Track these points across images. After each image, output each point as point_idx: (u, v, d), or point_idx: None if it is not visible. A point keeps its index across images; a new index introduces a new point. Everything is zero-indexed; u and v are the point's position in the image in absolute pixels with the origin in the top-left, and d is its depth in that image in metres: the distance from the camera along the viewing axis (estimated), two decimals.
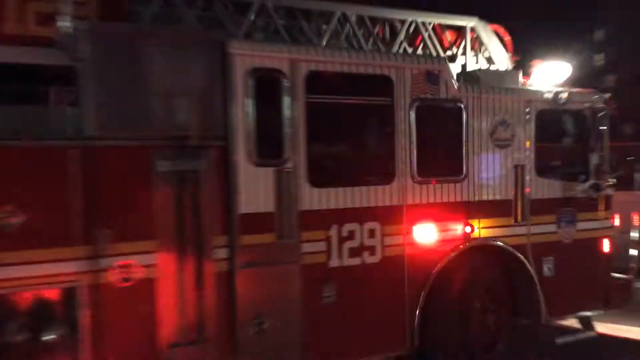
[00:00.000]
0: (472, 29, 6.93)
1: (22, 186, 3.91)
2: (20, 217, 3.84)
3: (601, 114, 6.48)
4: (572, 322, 6.68)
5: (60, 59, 4.38)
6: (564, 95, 6.27)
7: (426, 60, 5.55)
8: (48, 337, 3.97)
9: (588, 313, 6.58)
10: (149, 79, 4.27)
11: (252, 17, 5.57)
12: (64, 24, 4.13)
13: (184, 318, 4.39)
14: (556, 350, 6.30)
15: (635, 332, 7.36)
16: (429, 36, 6.65)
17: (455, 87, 5.61)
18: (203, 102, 4.45)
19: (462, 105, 5.65)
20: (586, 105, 6.45)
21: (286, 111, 4.78)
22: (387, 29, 6.62)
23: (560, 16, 51.66)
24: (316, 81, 4.90)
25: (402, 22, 6.47)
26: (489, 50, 7.02)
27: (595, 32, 59.36)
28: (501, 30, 7.22)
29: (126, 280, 4.19)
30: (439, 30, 6.84)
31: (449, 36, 6.91)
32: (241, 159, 4.59)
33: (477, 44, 7.01)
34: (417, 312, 5.37)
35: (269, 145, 4.71)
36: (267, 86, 4.69)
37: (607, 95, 6.70)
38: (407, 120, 5.33)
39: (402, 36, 6.41)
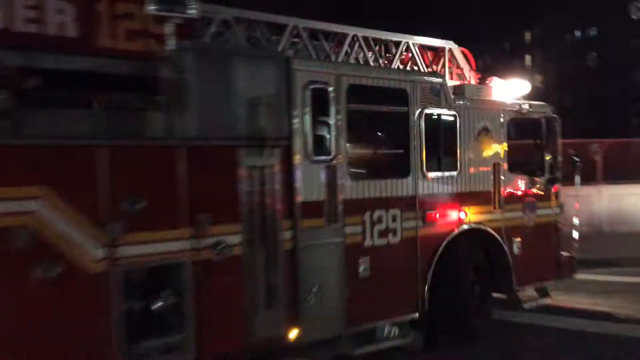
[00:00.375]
0: (449, 50, 8.27)
1: (142, 179, 4.68)
2: (143, 204, 4.61)
3: (553, 121, 8.03)
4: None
5: (142, 70, 5.19)
6: (527, 107, 7.76)
7: (431, 76, 6.79)
8: (163, 302, 4.75)
9: (545, 283, 8.09)
10: (235, 89, 5.16)
11: (286, 37, 6.53)
12: (171, 42, 4.93)
13: (261, 287, 5.30)
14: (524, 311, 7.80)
15: (574, 301, 9.00)
16: (416, 55, 7.89)
17: (452, 99, 6.88)
18: (274, 109, 5.37)
19: (456, 114, 6.93)
20: (542, 114, 7.98)
21: (332, 117, 5.81)
22: (383, 48, 7.80)
23: (489, 17, 53.85)
24: (354, 92, 5.97)
25: (397, 43, 7.68)
26: (461, 67, 8.38)
27: (524, 33, 62.47)
28: (467, 52, 8.62)
29: (218, 256, 5.04)
30: (421, 50, 8.11)
31: (429, 55, 8.20)
32: (300, 157, 5.57)
33: (451, 63, 8.35)
34: (427, 282, 6.57)
35: (320, 145, 5.72)
36: (318, 96, 5.70)
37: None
38: (418, 126, 6.52)
39: (398, 55, 7.60)
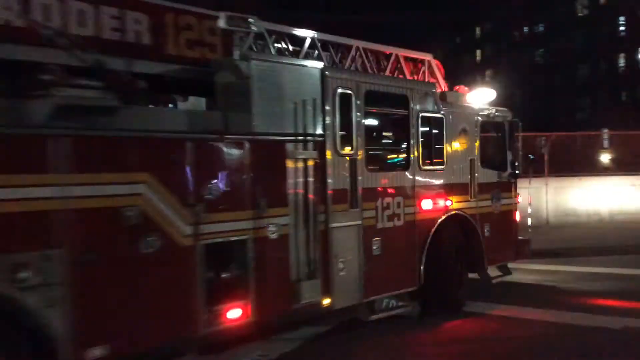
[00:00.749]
0: (428, 62, 9.50)
1: (218, 168, 5.52)
2: (219, 190, 5.47)
3: (514, 124, 9.45)
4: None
5: (200, 75, 6.04)
6: (494, 112, 9.13)
7: (425, 85, 7.97)
8: (232, 272, 5.62)
9: (507, 262, 9.48)
10: (284, 93, 6.09)
11: (305, 48, 7.49)
12: (237, 52, 5.80)
13: (304, 262, 6.25)
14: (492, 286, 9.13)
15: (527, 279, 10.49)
16: (401, 65, 9.07)
17: (440, 104, 8.09)
18: (312, 110, 6.33)
19: (443, 117, 8.15)
20: (505, 118, 9.37)
21: (354, 118, 6.84)
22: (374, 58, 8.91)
23: (440, 12, 56.02)
24: (369, 97, 7.03)
25: (388, 55, 8.81)
26: (436, 76, 9.63)
27: (475, 28, 64.93)
28: (439, 63, 9.89)
29: (271, 232, 5.95)
30: (403, 61, 9.29)
31: (410, 66, 9.39)
32: (331, 151, 6.56)
33: (429, 72, 9.59)
34: (423, 259, 7.73)
35: (345, 142, 6.74)
36: (344, 101, 6.72)
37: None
38: (415, 126, 7.68)
39: (388, 65, 8.74)
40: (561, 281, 10.32)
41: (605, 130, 18.07)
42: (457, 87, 9.39)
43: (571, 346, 6.74)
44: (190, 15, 6.16)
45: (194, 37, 6.18)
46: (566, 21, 49.70)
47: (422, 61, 9.41)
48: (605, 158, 18.95)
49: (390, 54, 8.83)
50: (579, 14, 50.85)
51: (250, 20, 5.81)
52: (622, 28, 46.53)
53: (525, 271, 10.70)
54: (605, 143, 17.35)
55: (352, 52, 8.15)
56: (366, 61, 8.34)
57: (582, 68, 50.46)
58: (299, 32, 7.40)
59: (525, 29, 58.12)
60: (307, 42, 7.48)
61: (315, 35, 7.57)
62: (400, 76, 8.89)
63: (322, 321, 7.06)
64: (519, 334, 7.26)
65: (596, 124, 23.69)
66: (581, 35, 49.36)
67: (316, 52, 7.61)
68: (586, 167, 15.35)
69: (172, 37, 6.02)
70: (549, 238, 13.92)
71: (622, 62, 47.36)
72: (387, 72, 8.65)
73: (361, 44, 8.34)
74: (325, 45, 7.86)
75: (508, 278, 9.49)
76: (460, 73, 10.45)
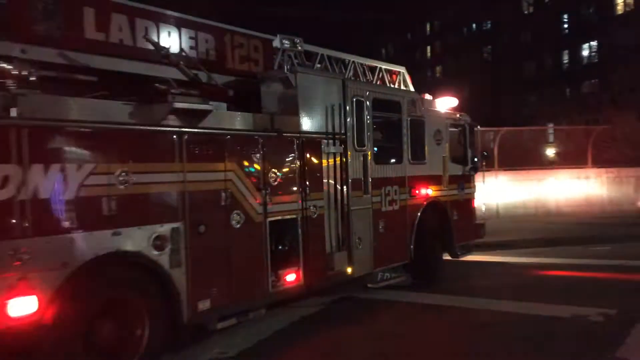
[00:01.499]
0: (402, 73, 11.19)
1: (278, 161, 6.85)
2: (279, 178, 6.81)
3: (473, 126, 11.32)
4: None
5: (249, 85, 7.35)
6: (458, 116, 10.95)
7: (412, 93, 9.63)
8: (286, 245, 6.97)
9: (469, 242, 11.31)
10: (319, 99, 7.50)
11: (317, 61, 8.94)
12: (287, 68, 7.16)
13: (335, 237, 7.68)
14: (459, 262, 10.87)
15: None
16: (383, 75, 10.70)
17: (423, 109, 9.77)
18: (338, 113, 7.78)
19: (424, 120, 9.83)
20: (467, 122, 11.22)
21: (365, 120, 8.35)
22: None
23: (392, 9, 57.55)
24: (375, 103, 8.57)
25: (374, 68, 10.41)
26: (407, 86, 11.34)
27: (425, 25, 66.15)
28: (408, 74, 11.62)
29: (313, 213, 7.34)
30: (385, 72, 10.93)
31: (389, 76, 11.05)
32: (351, 147, 8.03)
33: (403, 82, 11.28)
34: (413, 238, 9.34)
35: (360, 139, 8.23)
36: (359, 106, 8.21)
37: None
38: (406, 128, 9.30)
39: (376, 76, 10.34)
40: (510, 272, 10.83)
41: (551, 125, 19.65)
42: (423, 95, 11.12)
43: (519, 335, 6.68)
44: (240, 35, 7.46)
45: (244, 54, 7.48)
46: (513, 19, 50.99)
47: (398, 72, 11.09)
48: (550, 152, 20.90)
49: (376, 67, 10.44)
50: (525, 12, 52.13)
51: (296, 40, 7.19)
52: (565, 25, 48.16)
53: (473, 262, 11.60)
54: (551, 137, 19.14)
55: (349, 65, 9.67)
56: (360, 74, 9.90)
57: (528, 64, 51.37)
58: (311, 49, 8.81)
59: (474, 26, 59.09)
60: (318, 57, 8.93)
61: (325, 53, 9.04)
62: (399, 85, 10.57)
63: (280, 316, 7.48)
64: (467, 324, 7.33)
65: (542, 119, 25.09)
66: (527, 33, 50.71)
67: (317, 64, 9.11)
68: (534, 160, 16.98)
69: (229, 54, 7.29)
70: (498, 230, 14.60)
71: (566, 58, 48.57)
72: (375, 82, 10.26)
73: (355, 58, 9.89)
74: (329, 59, 9.34)
75: (461, 270, 11.17)
76: (412, 69, 11.45)
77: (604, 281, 9.41)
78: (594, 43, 44.87)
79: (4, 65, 4.40)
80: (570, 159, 18.53)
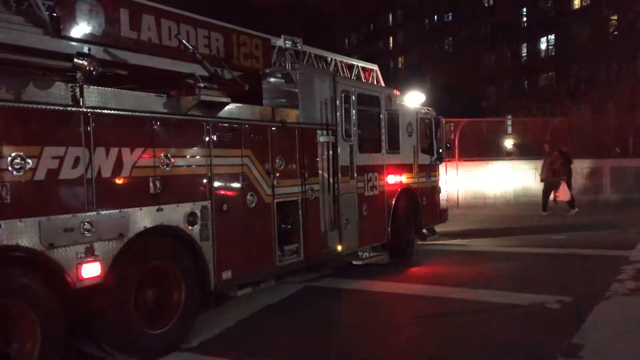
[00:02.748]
0: (375, 71, 12.16)
1: (283, 148, 7.66)
2: (284, 163, 7.63)
3: (439, 120, 12.42)
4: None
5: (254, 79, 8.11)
6: (426, 110, 12.03)
7: (388, 89, 10.61)
8: (290, 223, 7.81)
9: (434, 225, 12.42)
10: (314, 94, 8.35)
11: (305, 59, 9.77)
12: (288, 67, 7.97)
13: (328, 217, 8.55)
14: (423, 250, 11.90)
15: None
16: (359, 72, 11.64)
17: (397, 103, 10.76)
18: (330, 107, 8.65)
19: (399, 114, 10.82)
20: (432, 116, 12.31)
21: (351, 113, 9.25)
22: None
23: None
24: (359, 98, 9.49)
25: (352, 65, 11.34)
26: (380, 82, 12.33)
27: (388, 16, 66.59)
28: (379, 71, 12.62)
29: (310, 196, 8.20)
30: (361, 70, 11.88)
31: (363, 73, 12.00)
32: (339, 137, 8.91)
33: (375, 79, 12.26)
34: (389, 221, 10.33)
35: (347, 130, 9.12)
36: (346, 100, 9.10)
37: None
38: (384, 120, 10.27)
39: (354, 72, 11.27)
40: (471, 260, 11.12)
41: (509, 117, 20.66)
42: (396, 91, 12.14)
43: (476, 324, 6.81)
44: (245, 34, 8.21)
45: (247, 52, 8.24)
46: (473, 11, 51.93)
47: (371, 70, 12.07)
48: (509, 143, 22.05)
49: (353, 65, 11.37)
50: (485, 5, 53.12)
51: (296, 40, 8.01)
52: (524, 19, 49.38)
53: (436, 250, 12.17)
54: (509, 129, 20.13)
55: (331, 63, 10.56)
56: (340, 71, 10.80)
57: (488, 57, 52.61)
58: (300, 48, 9.64)
59: (435, 17, 59.85)
60: (306, 56, 9.78)
61: (312, 52, 9.89)
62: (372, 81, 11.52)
63: (243, 305, 7.62)
64: (428, 313, 7.47)
65: (501, 111, 25.91)
66: (487, 25, 51.94)
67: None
68: (493, 152, 17.97)
69: (235, 51, 8.03)
70: (459, 219, 15.34)
71: (524, 51, 49.81)
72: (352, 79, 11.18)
73: (336, 56, 10.79)
74: (314, 57, 10.20)
75: (423, 257, 12.19)
76: (375, 59, 12.08)
77: (559, 269, 9.86)
78: (551, 37, 46.35)
79: (79, 61, 5.04)
80: (527, 150, 19.51)
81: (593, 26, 40.12)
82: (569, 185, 17.40)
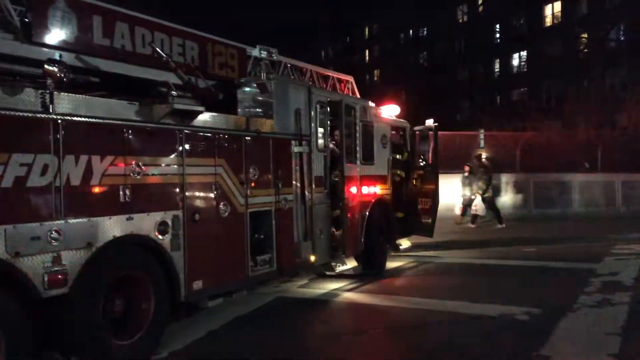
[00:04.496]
0: (350, 82, 12.24)
1: (256, 158, 7.63)
2: (257, 173, 7.61)
3: (412, 132, 12.53)
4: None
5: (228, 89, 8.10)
6: (400, 123, 12.13)
7: (364, 101, 10.68)
8: (262, 234, 7.78)
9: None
10: (289, 104, 8.36)
11: (281, 70, 9.79)
12: (263, 76, 7.97)
13: (301, 228, 8.54)
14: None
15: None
16: (335, 84, 11.70)
17: (372, 115, 10.83)
18: (305, 117, 8.67)
19: (373, 125, 10.89)
20: (407, 128, 12.42)
21: (326, 124, 9.28)
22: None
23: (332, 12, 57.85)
24: (332, 108, 9.52)
25: (327, 76, 11.39)
26: (356, 93, 12.40)
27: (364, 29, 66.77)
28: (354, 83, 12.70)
29: (284, 206, 8.18)
30: (336, 81, 11.94)
31: (339, 84, 12.06)
32: (313, 148, 8.93)
33: (350, 90, 12.33)
34: (364, 232, 10.36)
35: (323, 141, 9.14)
36: (321, 110, 9.13)
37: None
38: (359, 132, 10.32)
39: (330, 83, 11.32)
40: (444, 271, 11.22)
41: (482, 131, 20.94)
42: (369, 102, 12.22)
43: (446, 336, 6.87)
44: (220, 44, 8.20)
45: (223, 61, 8.23)
46: (448, 27, 52.50)
47: (346, 81, 12.14)
48: (482, 157, 22.34)
49: (329, 76, 11.43)
50: (460, 20, 53.79)
51: (272, 51, 8.02)
52: (497, 35, 49.95)
53: (406, 261, 12.04)
54: (482, 143, 20.42)
55: (307, 73, 10.60)
56: (316, 82, 10.85)
57: (461, 71, 53.16)
58: (276, 58, 9.66)
59: (411, 32, 60.45)
60: (282, 66, 9.80)
61: (288, 62, 9.92)
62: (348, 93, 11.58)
63: (214, 316, 7.50)
64: (397, 323, 7.51)
65: (475, 125, 26.11)
66: (461, 41, 52.74)
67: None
68: (466, 164, 18.25)
69: (211, 60, 8.02)
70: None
71: (497, 67, 50.32)
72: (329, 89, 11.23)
73: (311, 67, 10.83)
74: (290, 67, 10.23)
75: (395, 268, 12.30)
76: (351, 72, 12.14)
77: (529, 281, 9.99)
78: (523, 53, 47.13)
79: (50, 67, 4.98)
80: (500, 164, 19.82)
81: (564, 43, 40.98)
82: (491, 199, 17.80)
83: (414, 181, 12.46)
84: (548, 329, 6.85)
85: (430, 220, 12.28)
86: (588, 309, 7.79)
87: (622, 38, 38.98)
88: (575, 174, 21.13)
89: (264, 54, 8.05)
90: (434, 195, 12.30)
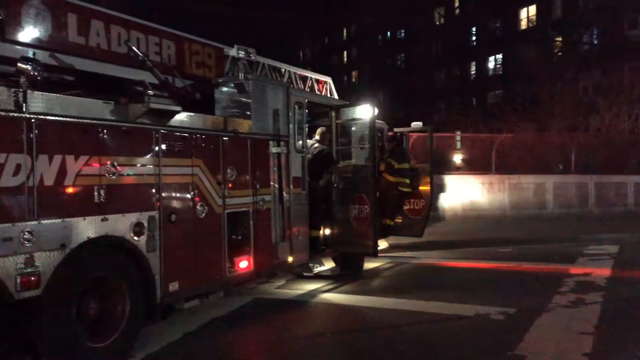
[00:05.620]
0: (328, 83, 12.24)
1: (234, 158, 7.59)
2: (235, 174, 7.57)
3: (394, 134, 12.59)
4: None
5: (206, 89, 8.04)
6: (378, 124, 12.16)
7: (340, 101, 10.69)
8: (240, 234, 7.74)
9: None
10: (267, 104, 8.33)
11: (259, 70, 9.75)
12: (241, 76, 7.92)
13: (279, 229, 8.51)
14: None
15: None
16: (313, 84, 11.70)
17: (349, 116, 10.84)
18: (283, 118, 8.64)
19: (351, 126, 10.91)
20: (385, 129, 12.47)
21: (304, 124, 9.27)
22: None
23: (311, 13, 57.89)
24: (309, 108, 9.51)
25: (305, 77, 11.38)
26: (334, 94, 12.42)
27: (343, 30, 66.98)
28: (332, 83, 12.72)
29: (262, 207, 8.15)
30: (315, 82, 11.93)
31: (317, 85, 12.06)
32: (292, 148, 8.91)
33: (328, 91, 12.34)
34: None
35: (301, 142, 9.12)
36: (298, 111, 9.12)
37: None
38: (336, 132, 10.33)
39: (308, 84, 11.31)
40: (418, 272, 11.19)
41: (458, 133, 21.20)
42: (347, 102, 12.23)
43: (424, 332, 6.98)
44: (197, 43, 8.14)
45: (200, 60, 8.17)
46: (425, 29, 52.73)
47: (325, 82, 12.15)
48: (458, 158, 22.51)
49: (307, 77, 11.42)
50: (437, 23, 54.17)
51: (250, 51, 7.99)
52: (473, 38, 50.73)
53: (384, 262, 11.96)
54: (458, 144, 20.66)
55: (285, 74, 10.58)
56: (294, 82, 10.83)
57: (438, 73, 53.77)
58: (253, 58, 9.62)
59: (388, 34, 60.90)
60: (260, 67, 9.76)
61: (266, 62, 9.88)
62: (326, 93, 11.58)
63: (191, 318, 7.47)
64: (374, 323, 7.53)
65: (451, 127, 26.62)
66: (438, 43, 53.12)
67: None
68: (442, 166, 18.32)
69: (188, 60, 7.95)
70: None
71: (473, 69, 50.82)
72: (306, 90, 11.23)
73: (290, 68, 10.82)
74: (268, 67, 10.20)
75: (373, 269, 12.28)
76: (329, 73, 12.11)
77: (505, 281, 10.08)
78: (499, 56, 47.83)
79: (23, 65, 4.88)
80: (475, 165, 20.05)
81: (538, 47, 41.56)
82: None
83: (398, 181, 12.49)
84: (523, 328, 6.92)
85: (421, 221, 12.33)
86: (562, 309, 7.89)
87: (595, 42, 39.66)
88: (549, 176, 21.45)
89: (241, 54, 8.01)
90: (428, 196, 12.33)
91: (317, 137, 10.09)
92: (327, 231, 10.03)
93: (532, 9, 44.73)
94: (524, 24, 45.73)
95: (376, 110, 12.20)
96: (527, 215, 20.22)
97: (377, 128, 12.08)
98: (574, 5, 40.19)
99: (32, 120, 5.07)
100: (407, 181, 11.91)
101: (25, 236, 4.96)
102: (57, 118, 5.29)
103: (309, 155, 9.48)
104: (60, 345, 5.28)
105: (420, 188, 12.22)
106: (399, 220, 12.32)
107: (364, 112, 11.95)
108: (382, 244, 12.38)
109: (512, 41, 43.96)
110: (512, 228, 17.99)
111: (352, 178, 10.06)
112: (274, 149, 8.43)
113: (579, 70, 33.74)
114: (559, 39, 40.89)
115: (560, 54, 40.20)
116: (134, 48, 6.59)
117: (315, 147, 9.97)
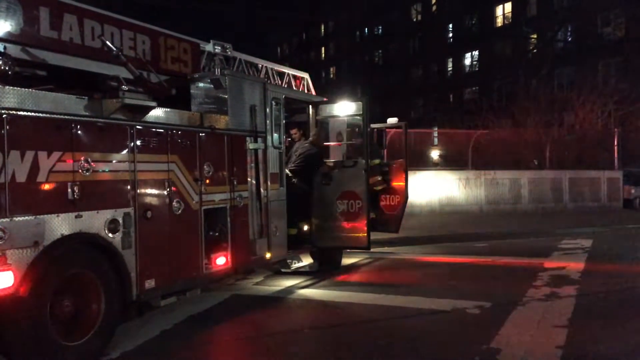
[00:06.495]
0: (306, 79, 12.23)
1: (211, 155, 7.53)
2: (212, 170, 7.52)
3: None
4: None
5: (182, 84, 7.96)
6: (356, 119, 12.18)
7: (318, 97, 10.67)
8: (217, 231, 7.69)
9: None
10: (244, 100, 8.28)
11: (236, 66, 9.70)
12: (217, 72, 7.86)
13: (257, 225, 8.48)
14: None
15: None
16: (290, 80, 11.68)
17: (327, 112, 10.84)
18: (260, 113, 8.60)
19: (328, 122, 10.92)
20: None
21: (281, 120, 9.25)
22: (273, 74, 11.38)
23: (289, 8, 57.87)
24: (287, 104, 9.49)
25: (283, 73, 11.35)
26: (311, 90, 12.41)
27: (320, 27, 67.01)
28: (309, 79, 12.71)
29: (239, 203, 8.11)
30: (292, 78, 11.92)
31: (294, 81, 12.05)
32: (269, 144, 8.87)
33: (306, 87, 12.33)
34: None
35: (277, 138, 9.10)
36: (276, 107, 9.08)
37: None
38: (313, 128, 10.32)
39: (285, 80, 11.28)
40: (396, 267, 11.31)
41: (435, 129, 21.36)
42: (325, 99, 12.24)
43: (401, 327, 7.01)
44: (172, 38, 8.05)
45: (175, 55, 8.09)
46: (402, 25, 53.43)
47: (302, 78, 12.13)
48: (435, 154, 22.64)
49: (284, 72, 11.39)
50: (414, 20, 54.77)
51: (226, 46, 7.93)
52: (450, 35, 51.52)
53: (361, 258, 12.08)
54: (435, 140, 20.80)
55: (262, 70, 10.54)
56: (271, 78, 10.79)
57: (415, 70, 54.51)
58: (230, 54, 9.56)
59: (366, 30, 61.27)
60: (236, 62, 9.71)
61: (242, 58, 9.83)
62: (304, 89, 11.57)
63: (167, 315, 7.41)
64: (352, 318, 7.54)
65: (428, 123, 26.92)
66: (415, 40, 53.89)
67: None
68: (420, 162, 18.38)
69: (163, 55, 7.86)
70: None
71: (450, 66, 51.46)
72: (284, 86, 11.19)
73: (267, 64, 10.78)
74: (245, 63, 10.15)
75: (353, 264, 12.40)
76: (307, 69, 12.10)
77: (481, 276, 10.20)
78: (475, 52, 48.40)
79: None
80: (452, 161, 20.23)
81: (514, 44, 42.03)
82: None
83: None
84: (498, 322, 6.99)
85: (397, 217, 12.30)
86: (537, 302, 8.00)
87: (570, 39, 40.23)
88: (524, 171, 21.74)
89: (218, 49, 7.96)
90: (402, 192, 12.30)
91: (311, 138, 10.11)
92: (310, 227, 10.02)
93: (508, 6, 45.25)
94: (499, 21, 46.22)
95: (354, 107, 12.35)
96: (503, 211, 20.44)
97: (353, 124, 12.22)
98: (548, 3, 40.72)
99: (4, 115, 4.97)
100: (379, 178, 11.92)
101: None
102: (29, 113, 5.20)
103: (299, 154, 9.49)
104: (34, 344, 5.20)
105: (396, 184, 12.17)
106: (373, 216, 12.30)
107: (345, 108, 12.09)
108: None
109: (488, 38, 44.37)
110: (488, 223, 18.16)
111: (341, 174, 10.07)
112: (251, 145, 8.40)
113: (553, 67, 34.23)
114: (534, 36, 41.42)
115: (535, 50, 40.72)
116: (107, 42, 6.49)
117: (305, 147, 10.01)
